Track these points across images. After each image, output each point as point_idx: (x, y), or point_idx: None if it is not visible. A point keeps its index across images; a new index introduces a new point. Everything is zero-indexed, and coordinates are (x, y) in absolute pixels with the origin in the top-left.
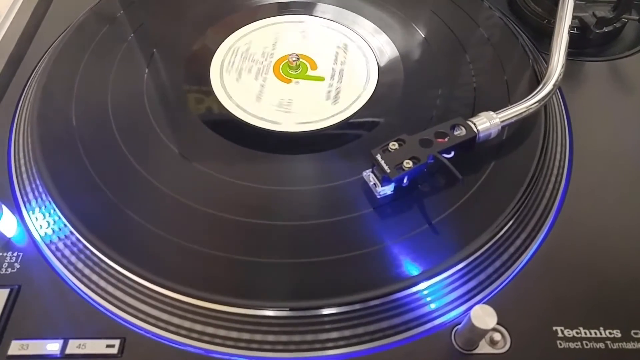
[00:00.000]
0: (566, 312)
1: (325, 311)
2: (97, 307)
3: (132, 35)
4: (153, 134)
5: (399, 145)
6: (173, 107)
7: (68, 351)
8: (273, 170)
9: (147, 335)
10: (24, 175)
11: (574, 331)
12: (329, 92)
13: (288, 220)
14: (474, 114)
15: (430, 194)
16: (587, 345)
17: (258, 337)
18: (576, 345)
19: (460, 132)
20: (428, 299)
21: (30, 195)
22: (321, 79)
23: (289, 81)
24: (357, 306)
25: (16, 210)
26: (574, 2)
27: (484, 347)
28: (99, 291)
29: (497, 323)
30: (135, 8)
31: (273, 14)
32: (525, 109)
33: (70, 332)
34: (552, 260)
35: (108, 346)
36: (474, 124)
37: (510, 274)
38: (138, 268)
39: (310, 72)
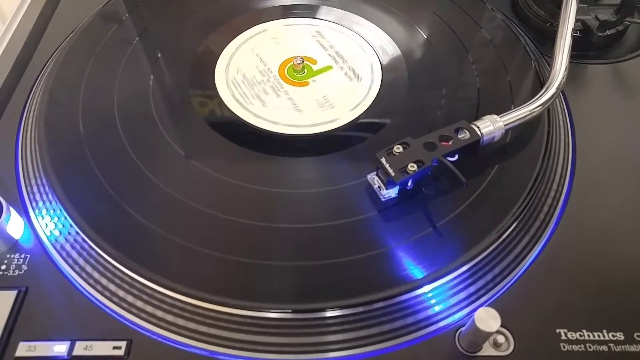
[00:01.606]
0: (569, 315)
1: (329, 313)
2: (103, 309)
3: (137, 38)
4: (159, 137)
5: (404, 148)
6: (179, 110)
7: (75, 353)
8: (278, 173)
9: (153, 336)
10: (31, 178)
11: (577, 334)
12: (347, 74)
13: (293, 223)
14: (477, 115)
15: (434, 197)
16: (590, 347)
17: (262, 338)
18: (579, 347)
19: (464, 135)
20: (432, 301)
21: (38, 197)
22: (329, 68)
23: (306, 84)
24: (360, 309)
25: (23, 212)
26: (577, 5)
27: (487, 350)
28: (106, 293)
29: (501, 325)
30: (140, 11)
31: (278, 17)
32: (528, 112)
33: (77, 333)
34: (555, 263)
35: (115, 348)
36: (478, 128)
37: (514, 277)
38: (144, 270)
39: (315, 67)
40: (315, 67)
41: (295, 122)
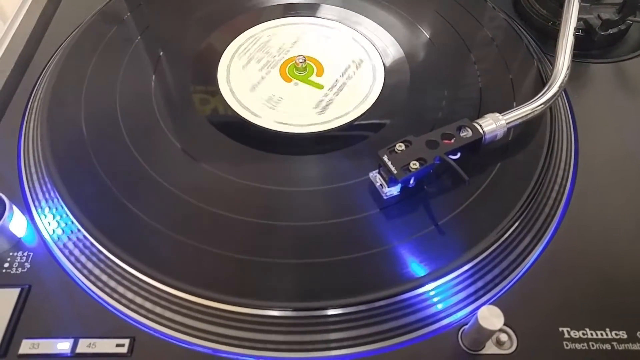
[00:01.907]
0: (572, 313)
1: (331, 311)
2: (106, 307)
3: (139, 37)
4: (161, 135)
5: (406, 146)
6: (181, 108)
7: (79, 350)
8: (281, 171)
9: (156, 334)
10: (34, 176)
11: (580, 332)
12: (321, 101)
13: (295, 221)
14: (479, 115)
15: (436, 195)
16: (593, 346)
17: (264, 336)
18: (582, 346)
19: (467, 133)
20: (435, 299)
21: (40, 196)
22: (320, 86)
23: (289, 80)
24: (363, 307)
25: (26, 210)
26: (579, 4)
27: (490, 348)
28: (109, 291)
29: (504, 324)
30: (142, 10)
31: (277, 16)
32: (531, 111)
33: (80, 331)
34: (558, 262)
35: (118, 345)
36: (480, 126)
37: (517, 275)
38: (147, 268)
39: (313, 78)
40: (313, 77)
41: (239, 95)
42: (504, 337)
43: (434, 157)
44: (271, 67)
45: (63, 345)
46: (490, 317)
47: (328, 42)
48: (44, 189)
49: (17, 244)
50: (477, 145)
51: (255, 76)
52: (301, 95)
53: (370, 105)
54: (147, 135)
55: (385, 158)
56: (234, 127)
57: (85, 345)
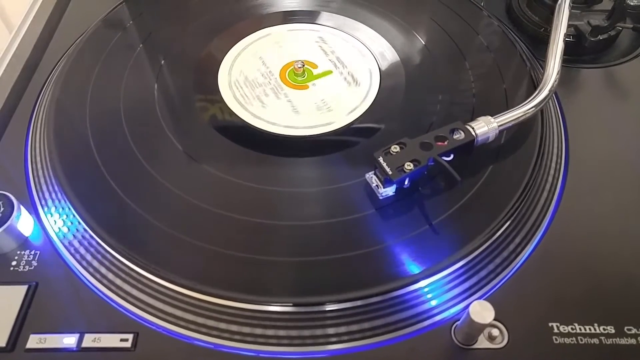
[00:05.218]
0: (562, 309)
1: (329, 307)
2: (111, 303)
3: (141, 44)
4: (164, 137)
5: (401, 148)
6: (183, 112)
7: (84, 345)
8: (281, 172)
9: (159, 330)
10: (41, 177)
11: (569, 327)
12: (318, 105)
13: (295, 220)
14: (473, 119)
15: (430, 196)
16: (581, 340)
17: (264, 331)
18: (571, 340)
19: (459, 135)
20: (428, 296)
21: (47, 196)
22: (329, 72)
23: (288, 84)
24: (359, 302)
25: (33, 210)
26: (570, 11)
27: (482, 342)
28: (113, 288)
29: (495, 319)
30: (144, 18)
31: (277, 23)
32: (522, 114)
33: (85, 326)
34: (548, 260)
35: (122, 340)
36: (473, 128)
37: (508, 273)
38: (150, 266)
39: (311, 82)
40: (315, 72)
41: (293, 124)
42: (495, 332)
43: (427, 159)
44: (279, 90)
45: (69, 340)
46: (482, 311)
47: (326, 48)
48: (51, 189)
49: (24, 242)
50: (470, 147)
51: (255, 80)
52: (299, 99)
53: (366, 109)
54: (149, 138)
55: (381, 159)
56: (235, 130)
57: (90, 340)
